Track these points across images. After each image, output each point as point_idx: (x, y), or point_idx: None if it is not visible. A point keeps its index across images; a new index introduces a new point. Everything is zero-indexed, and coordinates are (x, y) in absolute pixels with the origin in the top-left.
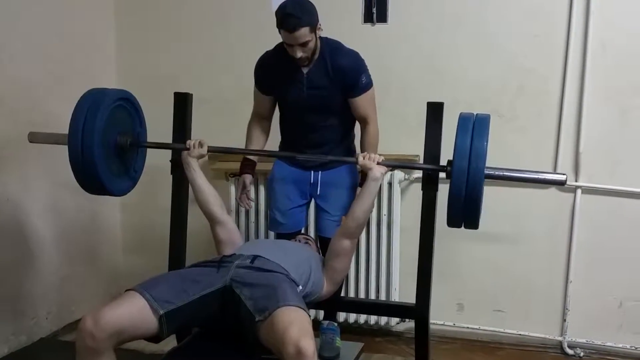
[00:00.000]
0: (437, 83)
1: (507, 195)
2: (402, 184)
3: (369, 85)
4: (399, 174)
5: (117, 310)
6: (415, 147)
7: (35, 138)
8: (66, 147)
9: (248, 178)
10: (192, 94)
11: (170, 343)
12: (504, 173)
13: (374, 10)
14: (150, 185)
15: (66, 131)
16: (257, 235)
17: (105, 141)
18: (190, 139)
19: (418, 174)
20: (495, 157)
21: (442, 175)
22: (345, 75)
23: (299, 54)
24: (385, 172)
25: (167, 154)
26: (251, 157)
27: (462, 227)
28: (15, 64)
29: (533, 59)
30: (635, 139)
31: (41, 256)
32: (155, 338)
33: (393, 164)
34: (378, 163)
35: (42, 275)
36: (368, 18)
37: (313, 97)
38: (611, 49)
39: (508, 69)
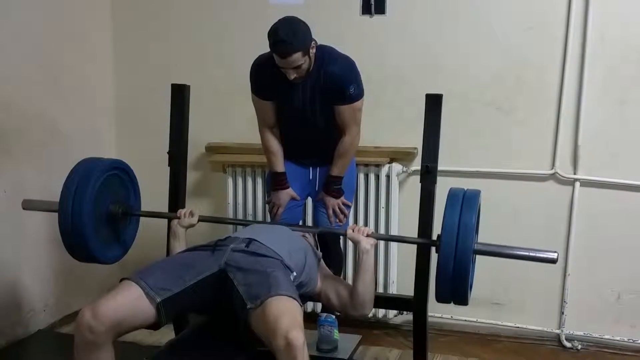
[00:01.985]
0: (435, 75)
1: (504, 188)
2: (400, 176)
3: (357, 96)
4: (397, 167)
5: (115, 302)
6: (414, 140)
7: (28, 205)
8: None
9: (291, 192)
10: (189, 86)
11: (167, 335)
12: (494, 249)
13: (372, 1)
14: (148, 175)
15: (62, 125)
16: None
17: (96, 210)
18: (187, 130)
19: (416, 166)
20: (494, 151)
21: (441, 176)
22: (334, 82)
23: (293, 75)
24: (374, 244)
25: (165, 147)
26: (278, 169)
27: (452, 304)
28: (6, 59)
29: (532, 51)
30: (634, 131)
31: (38, 248)
32: (155, 325)
33: (382, 237)
34: (367, 235)
35: (39, 268)
36: (366, 10)
37: (308, 104)
38: (610, 41)
39: (507, 61)
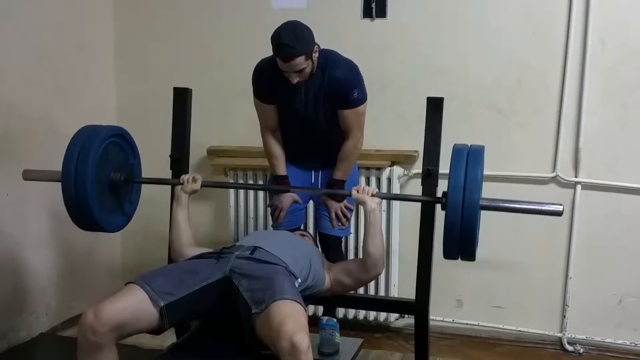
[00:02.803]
0: (436, 78)
1: (505, 192)
2: (402, 179)
3: (359, 100)
4: (398, 170)
5: (118, 304)
6: (415, 143)
7: (29, 176)
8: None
9: (294, 195)
10: (191, 89)
11: (169, 338)
12: (500, 204)
13: (373, 5)
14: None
15: (64, 127)
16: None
17: (98, 179)
18: (189, 134)
19: (417, 169)
20: (495, 154)
21: (442, 179)
22: (338, 86)
23: (295, 79)
24: (380, 202)
25: (167, 150)
26: (281, 173)
27: (459, 259)
28: (10, 61)
29: (532, 55)
30: (635, 134)
31: (40, 251)
32: (157, 330)
33: (388, 196)
34: (372, 195)
35: (41, 271)
36: (367, 13)
37: (311, 108)
38: (611, 45)
39: (507, 65)
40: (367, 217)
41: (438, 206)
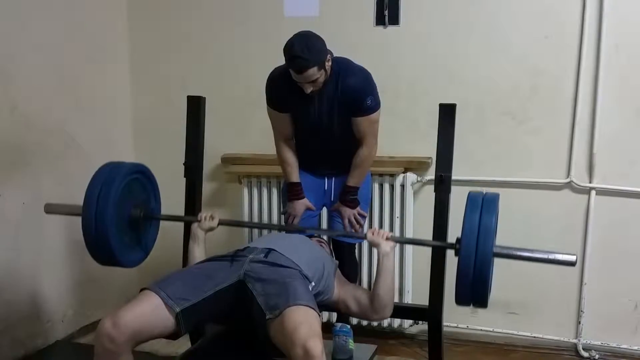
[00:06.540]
0: (449, 85)
1: (520, 197)
2: (415, 186)
3: (373, 108)
4: (411, 176)
5: (135, 311)
6: (428, 149)
7: (50, 209)
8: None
9: (307, 202)
10: (204, 98)
11: (184, 344)
12: (513, 252)
13: (386, 12)
14: (164, 186)
15: (80, 137)
16: None
17: (119, 214)
18: (203, 142)
19: (431, 176)
20: (509, 159)
21: (457, 185)
22: (351, 94)
23: (309, 89)
24: (394, 247)
25: (181, 158)
26: (294, 180)
27: (471, 306)
28: (26, 72)
29: (545, 60)
30: None
31: (57, 259)
32: (174, 335)
33: (402, 240)
34: (387, 238)
35: (57, 278)
36: (380, 20)
37: (324, 116)
38: (625, 49)
39: (520, 70)
40: (379, 260)
41: (452, 211)
